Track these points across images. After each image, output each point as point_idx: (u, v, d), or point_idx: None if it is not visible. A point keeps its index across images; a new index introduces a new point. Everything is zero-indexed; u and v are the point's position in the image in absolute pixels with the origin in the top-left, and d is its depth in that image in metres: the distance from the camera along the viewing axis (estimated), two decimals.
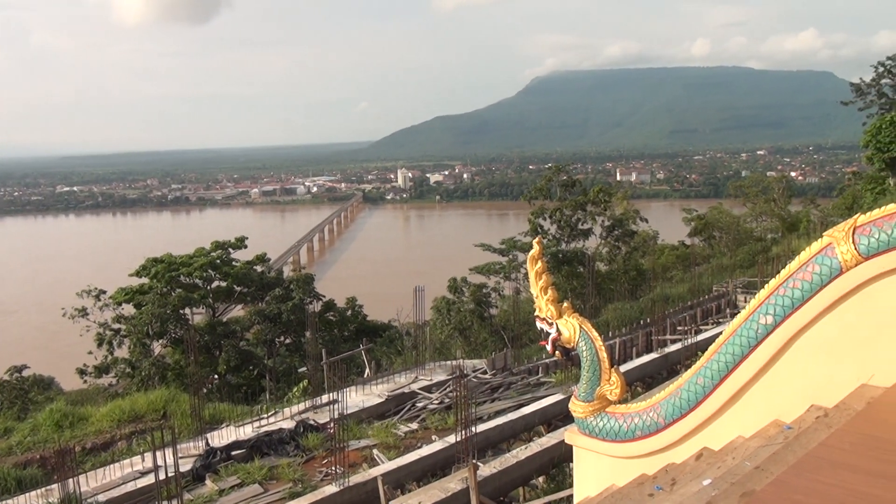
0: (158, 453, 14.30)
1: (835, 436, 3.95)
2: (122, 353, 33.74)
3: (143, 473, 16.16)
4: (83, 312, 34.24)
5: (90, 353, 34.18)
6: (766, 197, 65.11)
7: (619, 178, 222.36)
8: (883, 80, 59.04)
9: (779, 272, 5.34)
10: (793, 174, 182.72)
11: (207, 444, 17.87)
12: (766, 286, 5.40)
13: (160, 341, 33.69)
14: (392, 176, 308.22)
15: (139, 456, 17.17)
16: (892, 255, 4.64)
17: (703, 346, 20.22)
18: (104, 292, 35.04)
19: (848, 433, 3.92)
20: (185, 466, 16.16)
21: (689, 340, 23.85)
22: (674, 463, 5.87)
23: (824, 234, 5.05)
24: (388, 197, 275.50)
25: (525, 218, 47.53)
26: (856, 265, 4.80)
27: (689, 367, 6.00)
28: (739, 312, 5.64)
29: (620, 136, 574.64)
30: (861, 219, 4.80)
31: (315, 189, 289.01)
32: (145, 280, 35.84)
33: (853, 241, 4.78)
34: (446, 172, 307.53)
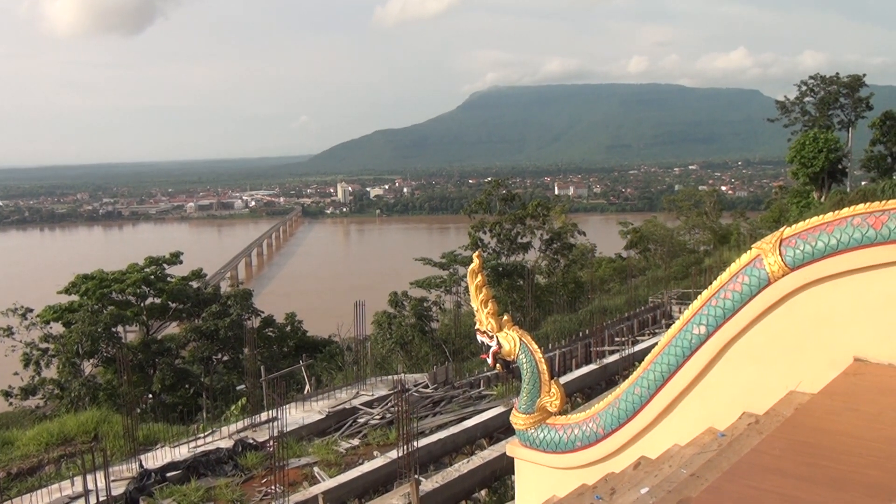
0: (89, 477, 13.83)
1: (765, 442, 4.07)
2: (51, 373, 32.44)
3: (73, 498, 15.56)
4: (8, 332, 32.84)
5: (16, 373, 32.78)
6: (698, 210, 67.07)
7: (557, 192, 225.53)
8: (806, 99, 61.68)
9: (711, 283, 5.50)
10: (723, 188, 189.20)
11: (141, 465, 17.32)
12: (698, 297, 5.56)
13: (91, 361, 32.54)
14: (332, 190, 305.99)
15: (69, 480, 16.51)
16: (817, 266, 4.83)
17: (640, 356, 20.63)
18: (31, 310, 33.68)
19: (778, 439, 4.04)
20: (118, 490, 15.63)
21: (627, 351, 24.26)
22: (613, 472, 5.96)
23: (753, 246, 5.22)
24: (328, 211, 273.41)
25: (465, 232, 47.73)
26: (783, 276, 4.97)
27: (626, 377, 6.10)
28: (674, 323, 5.78)
29: (558, 150, 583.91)
30: (787, 231, 4.99)
31: (253, 203, 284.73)
32: (75, 297, 34.61)
33: (780, 253, 4.96)
34: (386, 186, 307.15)
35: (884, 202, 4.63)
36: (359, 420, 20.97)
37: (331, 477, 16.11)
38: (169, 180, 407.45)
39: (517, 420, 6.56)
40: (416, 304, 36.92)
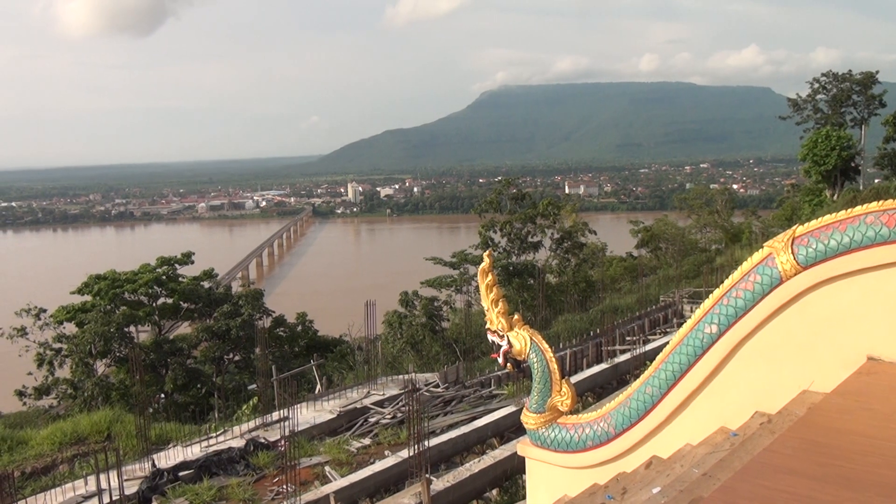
0: (102, 476, 13.91)
1: (778, 441, 4.05)
2: (64, 373, 32.65)
3: (87, 497, 15.66)
4: (22, 332, 33.07)
5: (30, 373, 33.01)
6: (709, 209, 66.74)
7: (567, 191, 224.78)
8: (818, 96, 61.27)
9: (722, 282, 5.47)
10: (735, 186, 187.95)
11: (154, 465, 17.42)
12: (710, 296, 5.53)
13: (104, 360, 32.74)
14: (342, 190, 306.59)
15: (82, 479, 16.62)
16: (829, 265, 4.80)
17: (652, 355, 20.57)
18: (44, 311, 33.91)
19: (790, 438, 4.03)
20: (131, 489, 15.73)
21: (638, 350, 24.19)
22: (624, 472, 5.95)
23: (765, 244, 5.20)
24: (339, 211, 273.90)
25: (475, 231, 47.69)
26: (795, 274, 4.94)
27: (638, 376, 6.08)
28: (685, 322, 5.76)
29: (568, 149, 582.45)
30: (799, 230, 4.96)
31: (264, 203, 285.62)
32: (88, 298, 34.84)
33: (792, 252, 4.93)
34: (396, 186, 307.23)
35: None
36: (370, 419, 21.00)
37: (342, 476, 16.14)
38: (180, 181, 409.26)
39: (528, 419, 6.55)
40: (426, 304, 36.93)
